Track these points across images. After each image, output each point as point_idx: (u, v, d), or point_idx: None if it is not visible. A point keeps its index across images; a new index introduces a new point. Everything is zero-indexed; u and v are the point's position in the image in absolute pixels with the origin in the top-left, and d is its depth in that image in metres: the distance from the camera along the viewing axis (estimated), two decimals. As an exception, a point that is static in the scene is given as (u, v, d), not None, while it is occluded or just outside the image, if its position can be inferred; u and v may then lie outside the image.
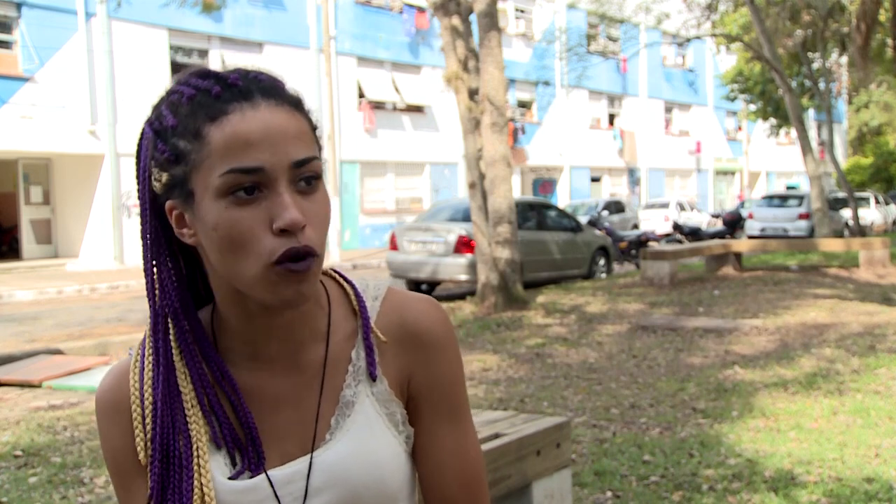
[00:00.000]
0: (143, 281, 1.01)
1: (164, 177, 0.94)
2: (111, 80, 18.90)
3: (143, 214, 0.99)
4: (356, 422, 1.01)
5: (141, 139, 0.99)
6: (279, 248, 0.91)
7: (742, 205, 30.39)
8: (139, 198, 0.99)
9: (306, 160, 0.93)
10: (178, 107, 0.94)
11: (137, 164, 0.99)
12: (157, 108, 0.97)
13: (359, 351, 1.04)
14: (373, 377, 1.03)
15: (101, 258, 18.82)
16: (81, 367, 7.22)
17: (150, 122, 0.97)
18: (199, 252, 0.98)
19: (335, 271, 1.10)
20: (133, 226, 19.31)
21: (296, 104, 0.96)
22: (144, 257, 1.00)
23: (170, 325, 1.00)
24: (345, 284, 1.08)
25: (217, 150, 0.91)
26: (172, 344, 1.00)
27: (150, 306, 1.00)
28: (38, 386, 6.83)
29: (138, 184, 0.99)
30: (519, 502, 3.12)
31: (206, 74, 0.95)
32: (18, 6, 17.73)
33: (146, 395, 1.00)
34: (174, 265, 1.01)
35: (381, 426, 1.02)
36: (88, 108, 18.53)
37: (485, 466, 1.10)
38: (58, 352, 7.96)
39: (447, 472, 1.05)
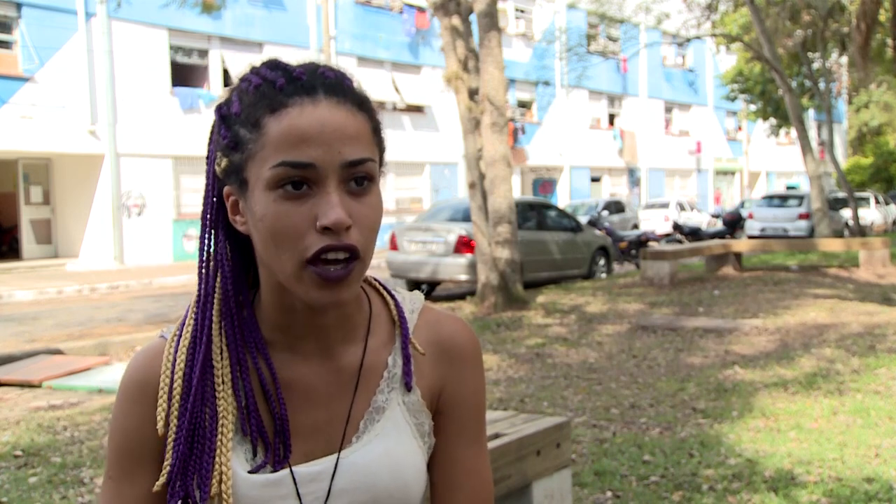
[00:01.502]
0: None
1: (224, 162, 0.95)
2: (111, 80, 18.90)
3: (206, 193, 1.00)
4: (385, 427, 1.01)
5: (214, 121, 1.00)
6: (317, 245, 0.90)
7: (742, 205, 30.34)
8: (206, 176, 1.00)
9: (359, 161, 0.92)
10: (244, 95, 0.94)
11: (208, 144, 1.00)
12: (230, 92, 0.98)
13: (395, 359, 1.04)
14: (408, 387, 1.03)
15: (101, 258, 18.81)
16: (81, 367, 7.22)
17: (218, 107, 0.97)
18: (252, 241, 0.99)
19: (375, 279, 1.10)
20: (133, 226, 19.33)
21: (359, 103, 0.96)
22: (201, 235, 1.00)
23: (216, 303, 0.99)
24: (384, 293, 1.09)
25: (272, 142, 0.91)
26: (215, 320, 0.99)
27: (200, 283, 1.00)
28: (38, 386, 6.83)
29: (207, 164, 1.00)
30: (519, 502, 3.12)
31: (276, 66, 0.95)
32: (18, 6, 17.73)
33: (178, 371, 0.98)
34: (230, 246, 1.00)
35: (408, 435, 1.02)
36: (88, 108, 18.53)
37: (493, 488, 1.10)
38: (58, 352, 7.95)
39: (460, 490, 1.06)
